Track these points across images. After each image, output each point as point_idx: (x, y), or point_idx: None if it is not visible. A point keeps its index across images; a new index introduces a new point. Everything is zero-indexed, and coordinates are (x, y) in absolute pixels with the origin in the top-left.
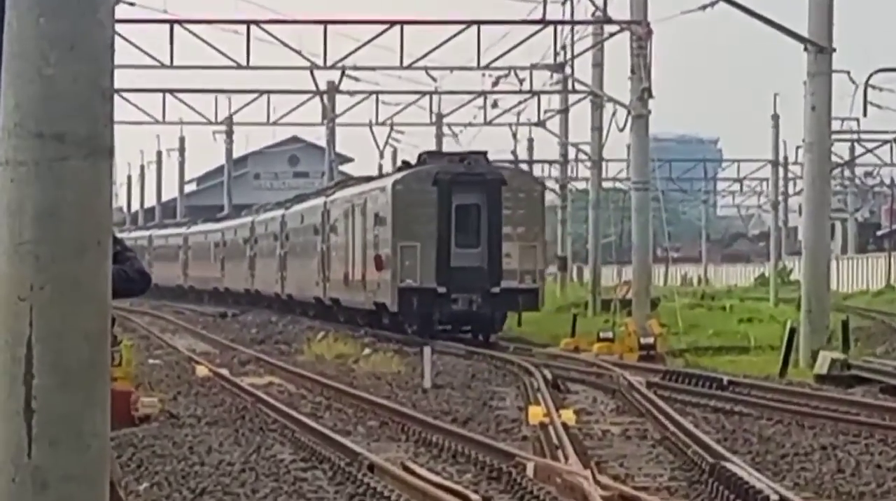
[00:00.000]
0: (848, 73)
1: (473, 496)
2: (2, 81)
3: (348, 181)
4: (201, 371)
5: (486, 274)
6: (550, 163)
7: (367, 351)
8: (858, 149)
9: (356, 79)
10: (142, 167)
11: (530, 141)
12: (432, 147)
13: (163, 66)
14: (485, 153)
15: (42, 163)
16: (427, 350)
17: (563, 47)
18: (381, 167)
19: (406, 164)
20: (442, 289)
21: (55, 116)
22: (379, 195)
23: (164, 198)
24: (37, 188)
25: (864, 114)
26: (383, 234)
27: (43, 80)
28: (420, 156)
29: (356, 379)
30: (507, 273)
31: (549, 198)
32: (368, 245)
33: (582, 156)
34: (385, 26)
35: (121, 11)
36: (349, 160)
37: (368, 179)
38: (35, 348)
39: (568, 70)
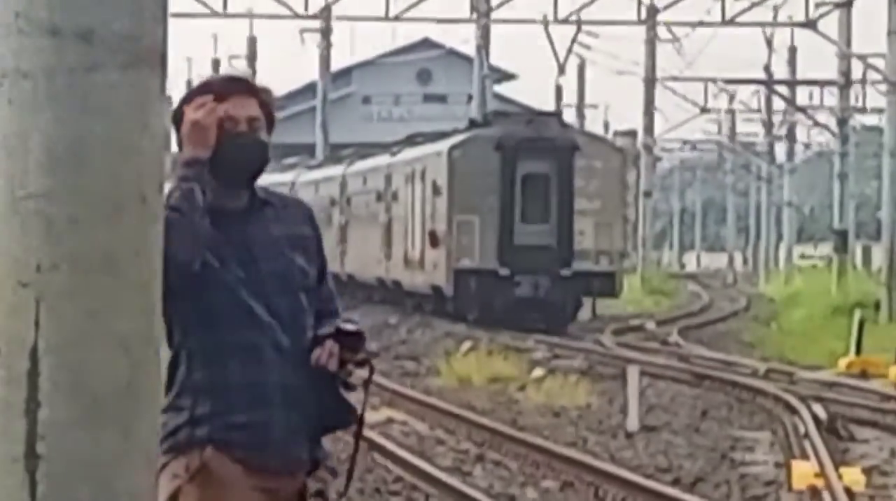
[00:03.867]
0: None
1: None
2: None
3: (417, 137)
4: None
5: (555, 254)
6: (822, 84)
7: (538, 371)
8: None
9: None
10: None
11: (792, 50)
12: (641, 58)
13: None
14: (559, 113)
15: (59, 75)
16: (633, 371)
17: None
18: (559, 89)
19: (472, 124)
20: (504, 271)
21: (79, 3)
22: (436, 160)
23: None
24: (50, 114)
25: None
26: (439, 207)
27: None
28: (485, 115)
29: (522, 414)
30: (579, 253)
31: (824, 139)
32: (427, 218)
33: (873, 74)
34: None
35: None
36: (511, 77)
37: (443, 135)
38: (43, 361)
39: None
